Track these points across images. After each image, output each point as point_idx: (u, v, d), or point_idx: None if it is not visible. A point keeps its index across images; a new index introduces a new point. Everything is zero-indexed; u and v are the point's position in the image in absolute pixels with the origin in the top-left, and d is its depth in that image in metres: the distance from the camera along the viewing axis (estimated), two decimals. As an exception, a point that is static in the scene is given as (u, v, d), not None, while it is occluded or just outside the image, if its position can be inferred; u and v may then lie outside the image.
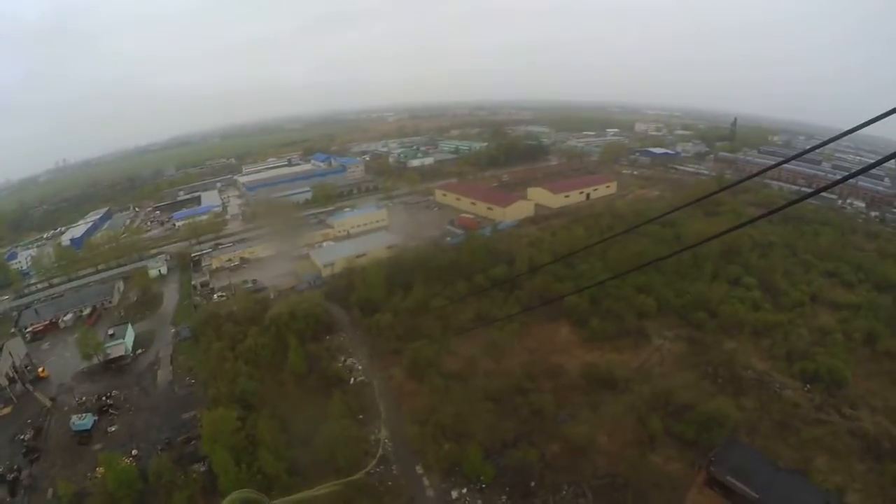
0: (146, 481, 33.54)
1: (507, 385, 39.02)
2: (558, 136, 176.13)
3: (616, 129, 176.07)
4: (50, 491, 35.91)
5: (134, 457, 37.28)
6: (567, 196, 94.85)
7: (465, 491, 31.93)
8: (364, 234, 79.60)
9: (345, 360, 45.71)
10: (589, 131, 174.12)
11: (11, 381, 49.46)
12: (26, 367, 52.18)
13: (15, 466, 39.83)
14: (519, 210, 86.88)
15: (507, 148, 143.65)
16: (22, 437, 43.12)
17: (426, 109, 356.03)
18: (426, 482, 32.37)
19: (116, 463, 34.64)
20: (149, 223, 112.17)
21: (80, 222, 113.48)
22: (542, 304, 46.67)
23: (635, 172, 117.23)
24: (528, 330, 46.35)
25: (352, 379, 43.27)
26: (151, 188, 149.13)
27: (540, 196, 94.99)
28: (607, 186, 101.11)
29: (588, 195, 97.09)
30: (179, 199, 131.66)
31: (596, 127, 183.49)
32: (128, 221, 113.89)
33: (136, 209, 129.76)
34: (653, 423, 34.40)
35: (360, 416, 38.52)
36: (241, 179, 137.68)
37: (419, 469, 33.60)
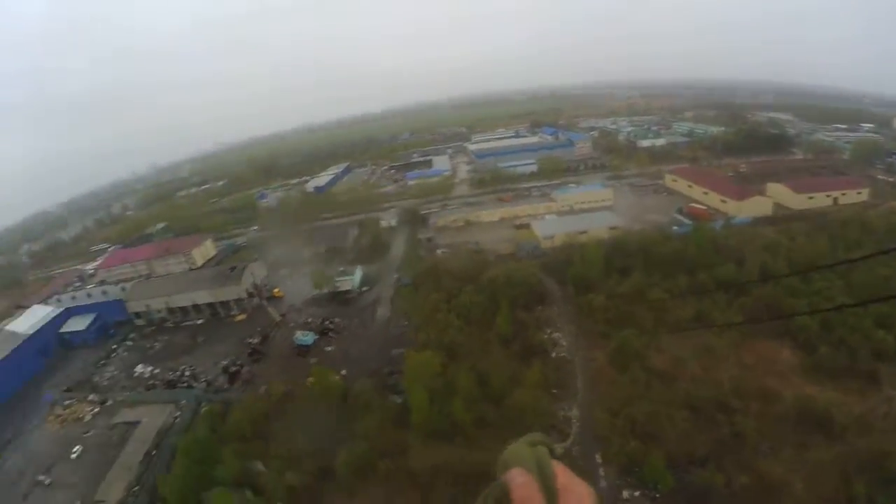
0: (345, 399, 41.57)
1: (712, 397, 38.01)
2: (804, 126, 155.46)
3: (872, 125, 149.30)
4: (263, 388, 46.71)
5: (342, 376, 46.24)
6: (811, 197, 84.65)
7: (637, 494, 32.77)
8: (587, 212, 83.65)
9: (550, 333, 50.00)
10: (839, 124, 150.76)
11: (251, 295, 66.42)
12: (265, 286, 69.07)
13: (239, 362, 53.46)
14: (755, 206, 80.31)
15: (746, 135, 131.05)
16: (250, 340, 57.23)
17: (656, 87, 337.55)
18: (601, 473, 34.17)
19: (326, 376, 43.74)
20: (383, 180, 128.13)
21: (322, 174, 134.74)
22: (770, 318, 43.26)
23: (892, 179, 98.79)
24: (746, 342, 43.90)
25: (554, 353, 46.92)
26: (387, 149, 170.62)
27: (780, 193, 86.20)
28: (858, 192, 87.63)
29: (835, 199, 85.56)
30: (412, 160, 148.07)
31: (848, 119, 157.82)
32: (365, 177, 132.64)
33: (373, 167, 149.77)
34: (857, 485, 30.55)
35: (555, 391, 41.95)
36: (471, 147, 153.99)
37: (598, 458, 35.39)
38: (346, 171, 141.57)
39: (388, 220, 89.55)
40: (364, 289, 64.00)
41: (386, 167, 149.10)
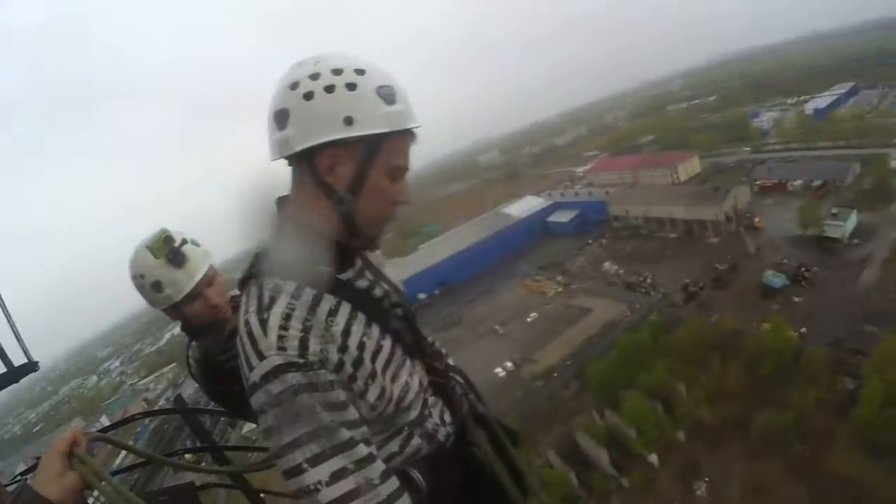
0: (795, 359, 37.91)
1: None
2: None
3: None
4: (715, 317, 47.01)
5: (799, 333, 42.41)
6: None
7: None
8: None
9: None
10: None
11: (728, 219, 66.16)
12: (745, 213, 67.91)
13: (699, 284, 55.15)
14: None
15: None
16: (717, 266, 57.62)
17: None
18: None
19: (783, 329, 40.81)
20: None
21: (824, 94, 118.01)
22: None
23: None
24: None
25: None
26: None
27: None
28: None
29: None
30: None
31: None
32: (874, 101, 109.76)
33: (885, 89, 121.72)
34: None
35: None
36: None
37: None
38: (853, 92, 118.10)
39: (902, 158, 72.51)
40: (854, 241, 55.29)
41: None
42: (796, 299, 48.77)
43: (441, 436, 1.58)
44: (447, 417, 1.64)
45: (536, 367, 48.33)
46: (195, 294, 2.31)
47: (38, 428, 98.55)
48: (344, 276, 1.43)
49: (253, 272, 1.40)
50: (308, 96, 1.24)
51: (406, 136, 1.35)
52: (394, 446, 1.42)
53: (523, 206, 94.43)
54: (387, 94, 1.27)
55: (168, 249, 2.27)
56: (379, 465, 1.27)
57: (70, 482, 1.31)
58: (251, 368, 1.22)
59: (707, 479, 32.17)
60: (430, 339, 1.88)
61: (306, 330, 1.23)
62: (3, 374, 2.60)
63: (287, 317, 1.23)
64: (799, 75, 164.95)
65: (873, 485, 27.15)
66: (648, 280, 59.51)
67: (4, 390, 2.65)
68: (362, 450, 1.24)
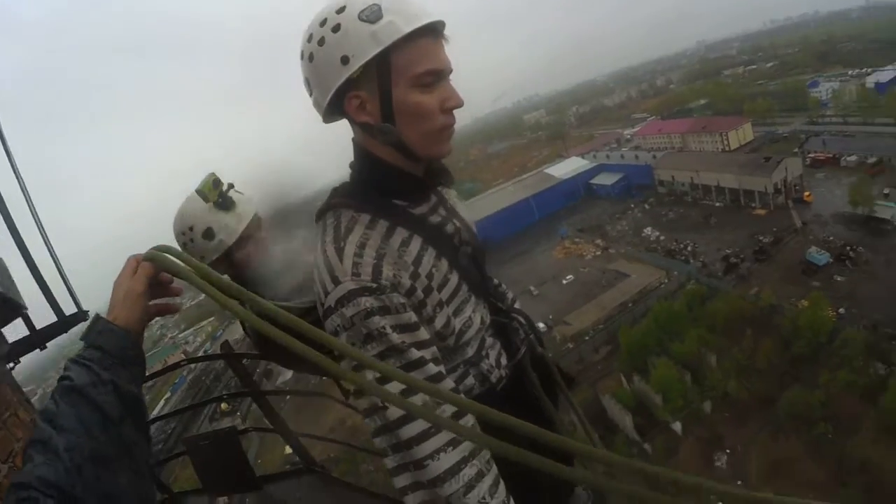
0: (829, 340, 37.21)
1: None
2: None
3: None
4: (755, 290, 46.37)
5: (837, 314, 41.25)
6: None
7: None
8: None
9: None
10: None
11: (777, 191, 63.60)
12: (795, 186, 65.13)
13: (741, 256, 53.82)
14: None
15: None
16: (761, 238, 56.00)
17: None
18: None
19: (822, 307, 39.47)
20: None
21: (888, 67, 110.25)
22: None
23: None
24: None
25: None
26: None
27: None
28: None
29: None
30: None
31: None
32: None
33: None
34: None
35: None
36: None
37: None
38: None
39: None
40: (916, 221, 52.83)
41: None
42: (838, 278, 47.18)
43: (494, 378, 1.58)
44: (503, 360, 1.64)
45: (569, 329, 48.46)
46: (246, 237, 2.38)
47: None
48: (417, 211, 1.46)
49: (330, 204, 1.44)
50: (311, 58, 1.30)
51: (417, 40, 1.27)
52: (448, 383, 1.38)
53: (567, 167, 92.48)
54: (370, 15, 1.24)
55: (217, 192, 2.33)
56: (448, 384, 1.31)
57: (141, 305, 1.27)
58: (326, 293, 1.26)
59: (728, 451, 32.26)
60: (496, 281, 1.90)
61: (380, 257, 1.28)
62: (54, 323, 2.62)
63: (362, 245, 1.28)
64: (863, 46, 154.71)
65: (893, 472, 26.89)
66: (689, 248, 58.34)
67: (55, 340, 2.65)
68: (431, 368, 1.27)
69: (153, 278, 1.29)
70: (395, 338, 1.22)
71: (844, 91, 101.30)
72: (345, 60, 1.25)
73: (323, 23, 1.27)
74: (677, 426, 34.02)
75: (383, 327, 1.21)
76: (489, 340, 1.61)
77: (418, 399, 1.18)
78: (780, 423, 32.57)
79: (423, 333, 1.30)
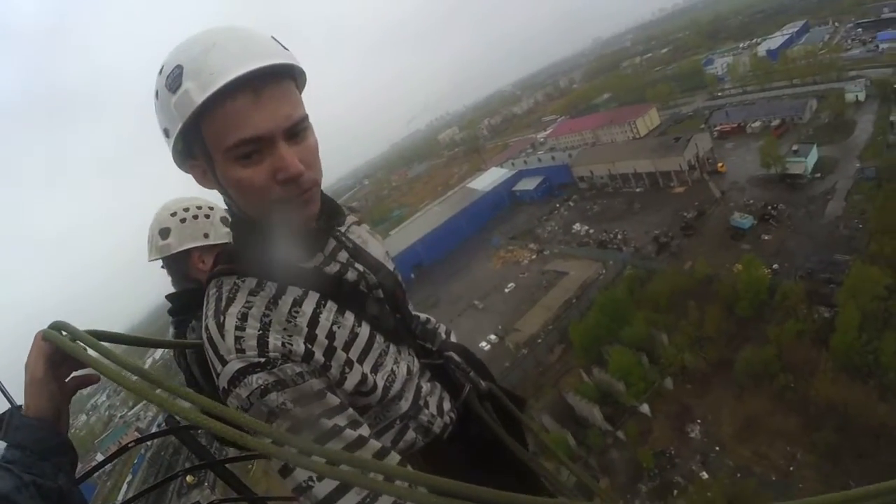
0: (770, 296, 39.15)
1: None
2: None
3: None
4: (689, 264, 48.53)
5: (772, 270, 43.87)
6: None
7: None
8: None
9: None
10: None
11: (692, 167, 67.35)
12: (708, 159, 69.38)
13: (669, 234, 56.59)
14: None
15: None
16: (685, 214, 59.04)
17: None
18: None
19: (755, 267, 41.68)
20: (848, 41, 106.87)
21: (776, 34, 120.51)
22: None
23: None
24: None
25: None
26: (853, 2, 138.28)
27: None
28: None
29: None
30: (884, 16, 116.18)
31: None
32: (826, 37, 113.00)
33: (836, 24, 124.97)
34: None
35: None
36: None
37: None
38: (804, 30, 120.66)
39: (856, 92, 74.34)
40: (816, 175, 56.69)
41: (851, 25, 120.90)
42: (765, 237, 50.00)
43: (437, 428, 1.48)
44: (446, 405, 1.55)
45: (520, 335, 48.79)
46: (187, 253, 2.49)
47: None
48: (311, 264, 1.30)
49: (214, 273, 1.28)
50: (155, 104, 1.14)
51: (225, 104, 1.04)
52: (386, 441, 1.31)
53: (488, 179, 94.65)
54: (171, 82, 1.06)
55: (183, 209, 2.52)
56: (372, 446, 1.18)
57: (56, 390, 1.17)
58: (217, 374, 1.14)
59: (699, 421, 33.09)
60: (423, 317, 1.80)
61: (265, 327, 1.14)
62: None
63: (243, 316, 1.14)
64: (749, 19, 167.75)
65: (859, 407, 28.19)
66: (619, 236, 60.37)
67: None
68: (349, 434, 1.14)
69: (56, 356, 1.17)
70: (300, 411, 1.12)
71: (738, 63, 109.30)
72: (166, 133, 1.13)
73: (160, 72, 1.14)
74: (645, 408, 34.63)
75: (283, 403, 1.11)
76: (426, 387, 1.51)
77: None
78: (741, 383, 33.74)
79: (332, 399, 1.18)
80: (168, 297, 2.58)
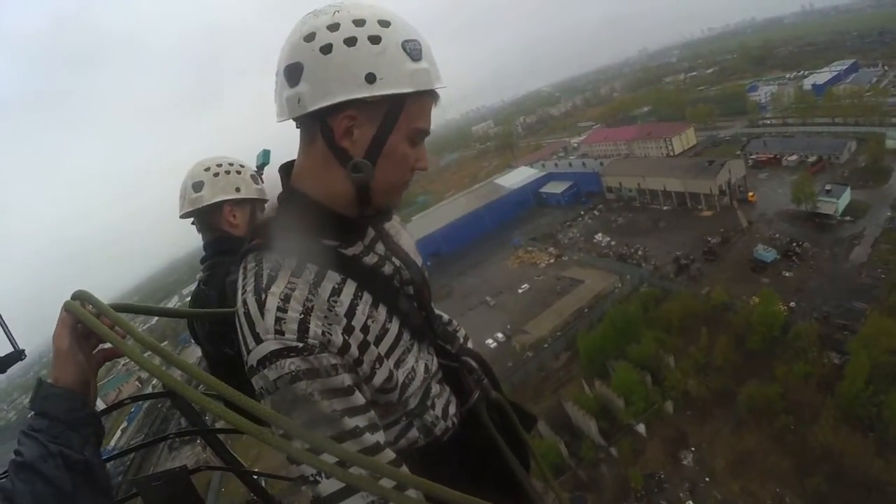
0: (784, 333, 38.64)
1: None
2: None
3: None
4: (706, 290, 47.93)
5: (788, 308, 42.97)
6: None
7: None
8: None
9: None
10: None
11: (722, 193, 66.24)
12: (739, 187, 68.03)
13: (691, 257, 55.83)
14: None
15: None
16: (709, 239, 58.28)
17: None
18: None
19: (773, 303, 41.05)
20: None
21: (823, 69, 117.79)
22: None
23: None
24: None
25: None
26: None
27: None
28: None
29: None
30: None
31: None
32: (873, 79, 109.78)
33: (885, 68, 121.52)
34: None
35: None
36: None
37: None
38: (852, 69, 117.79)
39: (896, 139, 72.37)
40: (846, 218, 55.54)
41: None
42: (786, 274, 49.17)
43: (438, 430, 1.47)
44: (451, 409, 1.54)
45: (527, 338, 48.65)
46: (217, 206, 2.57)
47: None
48: (350, 252, 1.30)
49: (252, 246, 1.26)
50: (326, 49, 1.10)
51: (430, 97, 1.21)
52: (389, 436, 1.29)
53: (516, 177, 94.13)
54: (413, 50, 1.13)
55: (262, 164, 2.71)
56: (387, 455, 1.16)
57: (83, 361, 1.19)
58: (248, 351, 1.13)
59: (693, 449, 32.71)
60: (445, 318, 1.78)
61: (307, 311, 1.13)
62: None
63: (286, 297, 1.12)
64: (798, 50, 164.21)
65: (856, 458, 27.71)
66: (640, 252, 59.80)
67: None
68: (368, 439, 1.14)
69: (80, 328, 1.19)
70: (325, 405, 1.12)
71: (782, 94, 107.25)
72: (370, 79, 1.11)
73: (360, 23, 1.12)
74: (641, 428, 34.33)
75: (311, 393, 1.10)
76: (435, 388, 1.51)
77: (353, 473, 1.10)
78: (741, 417, 33.35)
79: (359, 398, 1.17)
80: (205, 244, 2.62)
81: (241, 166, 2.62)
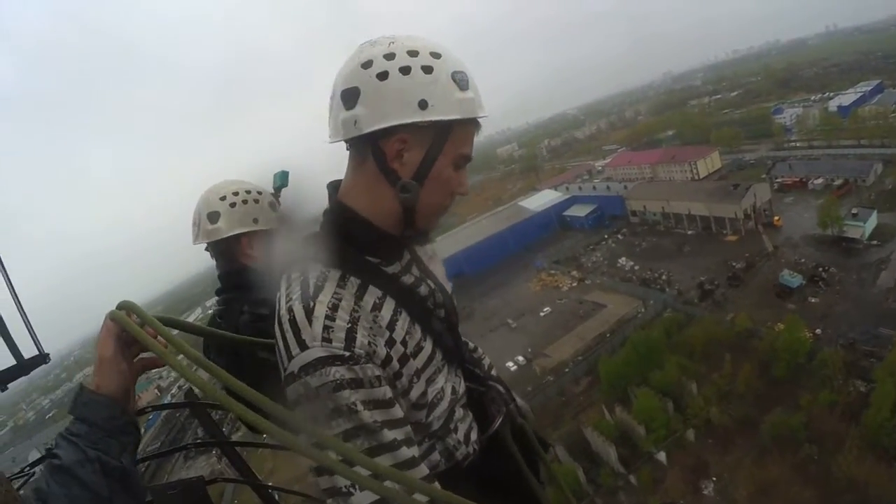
0: (809, 360, 37.98)
1: None
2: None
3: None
4: (731, 316, 46.96)
5: (814, 335, 41.99)
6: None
7: None
8: None
9: None
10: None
11: (747, 217, 65.42)
12: (764, 211, 67.12)
13: (715, 282, 54.88)
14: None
15: None
16: (734, 264, 57.31)
17: None
18: None
19: (798, 329, 40.22)
20: None
21: (849, 91, 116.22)
22: None
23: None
24: None
25: None
26: None
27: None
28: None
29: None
30: None
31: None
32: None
33: None
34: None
35: None
36: None
37: None
38: (878, 89, 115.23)
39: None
40: (873, 242, 54.34)
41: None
42: (812, 300, 48.20)
43: (459, 455, 1.49)
44: (473, 435, 1.56)
45: (548, 361, 48.48)
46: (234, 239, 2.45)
47: (51, 414, 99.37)
48: (390, 270, 1.37)
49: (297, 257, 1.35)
50: (382, 76, 1.19)
51: (474, 124, 1.32)
52: (422, 469, 1.27)
53: (541, 200, 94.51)
54: (461, 80, 1.24)
55: (285, 183, 2.48)
56: (421, 471, 1.21)
57: (125, 370, 1.25)
58: (290, 358, 1.15)
59: (715, 478, 32.15)
60: (471, 345, 1.83)
61: (354, 321, 1.17)
62: (13, 366, 2.59)
63: (334, 307, 1.17)
64: (823, 72, 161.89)
65: (881, 489, 26.99)
66: (664, 277, 59.32)
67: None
68: (404, 452, 1.17)
69: (125, 336, 1.24)
70: (367, 416, 1.12)
71: (808, 116, 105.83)
72: (423, 105, 1.19)
73: (413, 53, 1.21)
74: (662, 456, 33.90)
75: (353, 403, 1.11)
76: (459, 412, 1.54)
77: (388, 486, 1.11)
78: (764, 446, 32.69)
79: (398, 411, 1.20)
80: (221, 276, 2.56)
81: (259, 193, 2.49)
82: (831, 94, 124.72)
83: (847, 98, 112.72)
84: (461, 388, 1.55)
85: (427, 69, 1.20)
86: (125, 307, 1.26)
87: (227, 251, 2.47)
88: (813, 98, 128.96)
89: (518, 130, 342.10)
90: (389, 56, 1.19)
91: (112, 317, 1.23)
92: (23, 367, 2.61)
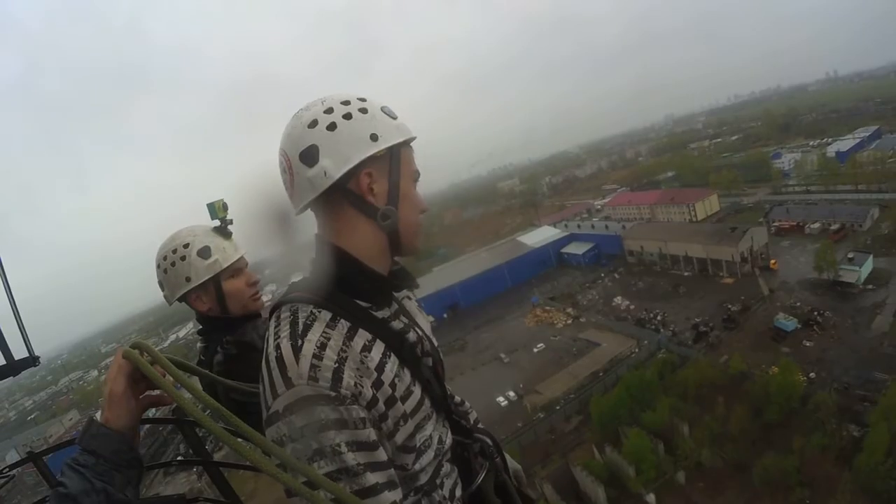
0: (803, 404, 37.83)
1: None
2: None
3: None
4: (725, 358, 47.09)
5: (807, 378, 41.95)
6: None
7: None
8: None
9: None
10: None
11: (743, 260, 65.67)
12: (761, 254, 67.38)
13: (710, 324, 54.86)
14: None
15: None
16: (729, 306, 57.25)
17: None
18: None
19: (792, 373, 40.03)
20: None
21: (847, 136, 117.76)
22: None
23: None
24: None
25: None
26: None
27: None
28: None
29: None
30: None
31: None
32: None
33: None
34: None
35: None
36: None
37: None
38: (876, 135, 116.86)
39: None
40: (869, 286, 54.41)
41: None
42: (807, 343, 47.97)
43: None
44: (457, 492, 1.53)
45: (539, 398, 47.93)
46: (237, 269, 2.47)
47: (32, 416, 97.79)
48: (380, 314, 1.39)
49: (286, 298, 1.36)
50: (331, 127, 1.29)
51: (410, 144, 1.44)
52: None
53: (539, 236, 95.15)
54: (389, 112, 1.38)
55: (225, 214, 2.46)
56: None
57: (134, 407, 1.28)
58: (275, 396, 1.15)
59: (705, 522, 31.77)
60: (458, 398, 1.83)
61: (341, 361, 1.18)
62: (3, 366, 2.63)
63: (322, 345, 1.18)
64: (822, 117, 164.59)
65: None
66: (659, 317, 59.22)
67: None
68: (386, 498, 1.17)
69: (135, 374, 1.28)
70: (350, 458, 1.13)
71: (806, 161, 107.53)
72: (374, 138, 1.32)
73: (346, 103, 1.35)
74: (651, 498, 33.27)
75: (338, 444, 1.12)
76: (446, 467, 1.52)
77: None
78: (755, 490, 32.25)
79: (382, 454, 1.21)
80: (199, 320, 2.58)
81: (185, 246, 2.39)
82: (830, 139, 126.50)
83: (845, 143, 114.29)
84: (448, 440, 1.55)
85: (363, 110, 1.33)
86: (138, 346, 1.29)
87: (189, 306, 2.50)
88: (812, 143, 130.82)
89: (520, 166, 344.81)
90: (328, 111, 1.32)
91: (125, 355, 1.27)
92: (12, 367, 2.68)
